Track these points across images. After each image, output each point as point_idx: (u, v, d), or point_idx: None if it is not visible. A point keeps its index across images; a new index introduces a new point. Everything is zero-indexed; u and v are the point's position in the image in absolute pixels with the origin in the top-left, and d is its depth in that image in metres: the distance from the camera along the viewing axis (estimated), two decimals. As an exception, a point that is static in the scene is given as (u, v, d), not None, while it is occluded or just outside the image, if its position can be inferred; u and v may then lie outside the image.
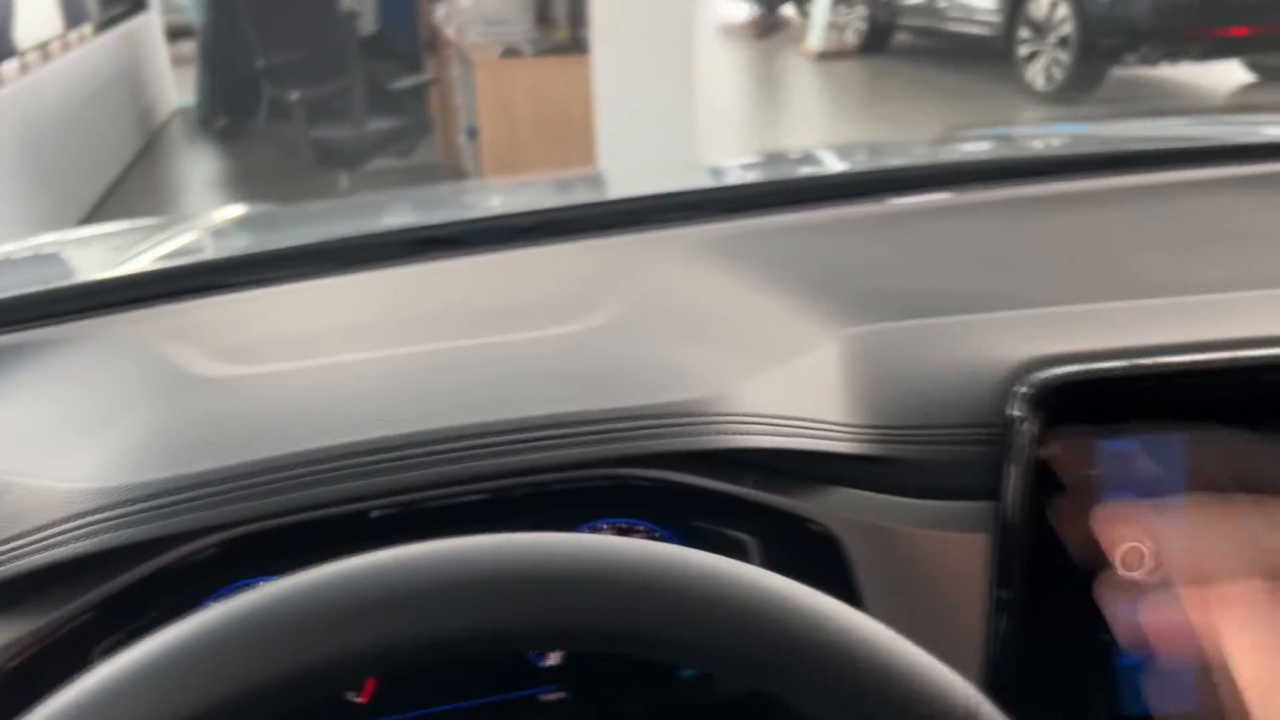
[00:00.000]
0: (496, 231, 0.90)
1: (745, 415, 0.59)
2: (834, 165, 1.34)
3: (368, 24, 6.69)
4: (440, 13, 6.08)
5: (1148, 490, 0.59)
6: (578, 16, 5.09)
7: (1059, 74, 7.08)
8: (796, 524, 0.60)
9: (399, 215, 1.26)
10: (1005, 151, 1.20)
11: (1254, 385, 0.61)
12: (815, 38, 9.40)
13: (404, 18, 6.58)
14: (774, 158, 2.07)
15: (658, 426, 0.57)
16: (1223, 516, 0.53)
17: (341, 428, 0.55)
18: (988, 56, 7.89)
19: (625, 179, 1.69)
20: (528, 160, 4.95)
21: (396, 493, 0.54)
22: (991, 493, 0.59)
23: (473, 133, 5.29)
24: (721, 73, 9.50)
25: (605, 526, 0.64)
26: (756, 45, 10.75)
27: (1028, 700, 0.58)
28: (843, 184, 1.01)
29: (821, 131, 6.97)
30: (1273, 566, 0.51)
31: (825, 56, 9.22)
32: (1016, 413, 0.58)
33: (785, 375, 0.63)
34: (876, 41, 9.37)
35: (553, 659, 0.64)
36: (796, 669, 0.36)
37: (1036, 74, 7.26)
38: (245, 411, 0.60)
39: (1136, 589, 0.59)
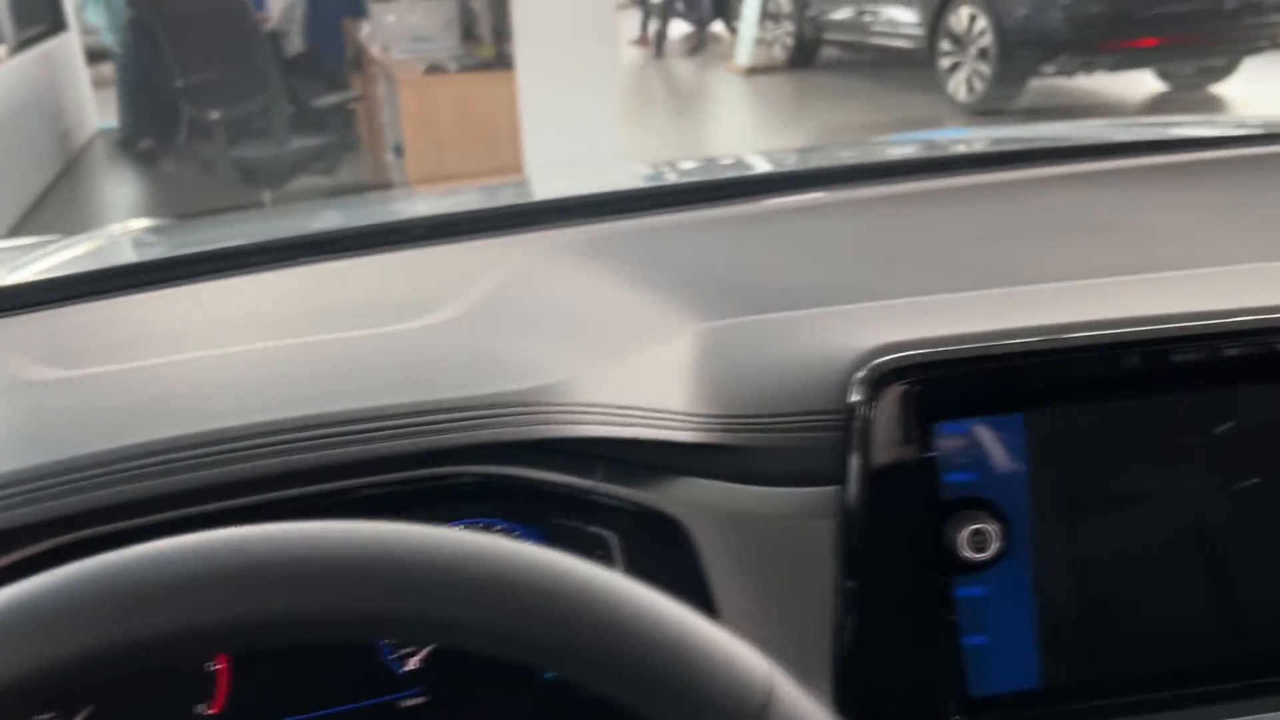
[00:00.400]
0: (371, 236, 0.89)
1: (586, 405, 0.59)
2: (730, 170, 1.35)
3: (295, 43, 6.63)
4: (365, 31, 6.04)
5: (989, 471, 0.60)
6: (502, 33, 5.09)
7: (980, 85, 7.23)
8: (649, 516, 0.60)
9: (284, 224, 1.24)
10: (876, 154, 1.22)
11: (1099, 366, 0.62)
12: (743, 53, 9.49)
13: (331, 36, 6.53)
14: (700, 163, 2.09)
15: (490, 416, 0.57)
16: None
17: (163, 423, 0.54)
18: (912, 69, 8.03)
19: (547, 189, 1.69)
20: (455, 177, 4.92)
21: (221, 488, 0.53)
22: (838, 479, 0.60)
23: (399, 150, 5.25)
24: (652, 90, 9.56)
25: (462, 526, 0.63)
26: (687, 62, 10.83)
27: (877, 683, 0.59)
28: (719, 186, 1.02)
29: (747, 144, 7.04)
30: None
31: (753, 72, 9.31)
32: (855, 398, 0.59)
33: (634, 367, 0.64)
34: (803, 56, 9.49)
35: (412, 663, 0.63)
36: (580, 650, 0.35)
37: (958, 85, 7.41)
38: (67, 411, 0.59)
39: (981, 566, 0.60)
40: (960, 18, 7.38)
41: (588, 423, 0.58)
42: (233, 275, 0.82)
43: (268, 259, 0.85)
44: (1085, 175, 0.95)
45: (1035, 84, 7.35)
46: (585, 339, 0.67)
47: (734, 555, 0.60)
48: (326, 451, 0.54)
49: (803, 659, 0.60)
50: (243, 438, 0.54)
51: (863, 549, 0.59)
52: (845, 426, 0.59)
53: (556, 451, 0.59)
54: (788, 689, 0.38)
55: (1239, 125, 1.30)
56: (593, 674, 0.37)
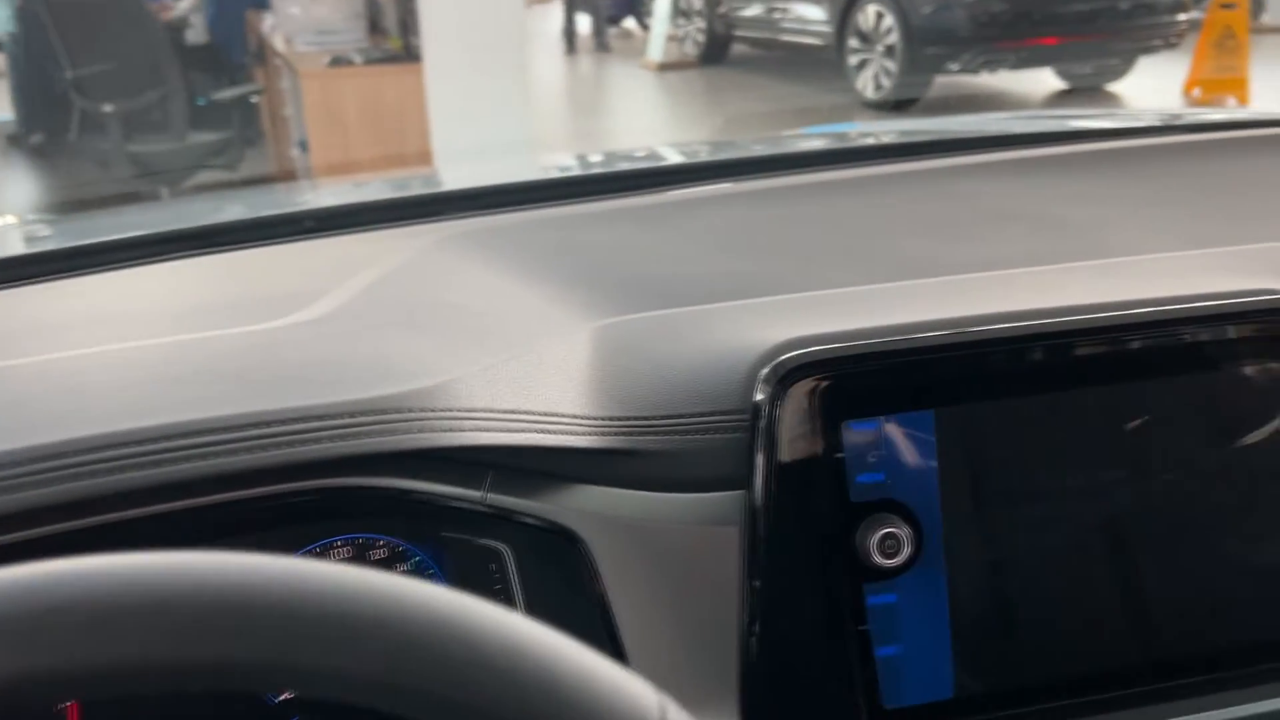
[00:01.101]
0: (255, 228, 0.84)
1: (467, 410, 0.55)
2: (640, 161, 1.31)
3: (198, 34, 6.41)
4: (267, 23, 5.86)
5: (900, 472, 0.57)
6: (409, 25, 4.99)
7: (887, 82, 7.33)
8: (543, 528, 0.56)
9: (166, 217, 1.17)
10: (787, 146, 1.19)
11: (1011, 360, 0.60)
12: (655, 49, 9.48)
13: (235, 27, 6.33)
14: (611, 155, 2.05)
15: (358, 425, 0.52)
16: None
17: None
18: (822, 66, 8.11)
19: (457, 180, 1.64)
20: (361, 171, 4.80)
21: (52, 509, 0.47)
22: (743, 483, 0.56)
23: (304, 145, 5.11)
24: (562, 85, 9.49)
25: (340, 544, 0.59)
26: (599, 58, 10.79)
27: (787, 697, 0.56)
28: (627, 177, 0.99)
29: (658, 138, 7.03)
30: None
31: (665, 68, 9.31)
32: (760, 396, 0.56)
33: (525, 367, 0.59)
34: (715, 53, 9.52)
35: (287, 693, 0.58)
36: (447, 696, 0.31)
37: (866, 82, 7.50)
38: None
39: (892, 573, 0.57)
40: (867, 15, 7.47)
41: (469, 430, 0.54)
42: (104, 271, 0.76)
43: (144, 253, 0.79)
44: (995, 166, 0.94)
45: (941, 80, 7.48)
46: (473, 337, 0.62)
47: (635, 566, 0.57)
48: (179, 466, 0.49)
49: (710, 672, 0.57)
50: (76, 452, 0.48)
51: (769, 556, 0.56)
52: (750, 427, 0.56)
53: (438, 461, 0.54)
54: (676, 714, 0.34)
55: (1136, 118, 1.32)
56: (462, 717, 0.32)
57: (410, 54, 4.90)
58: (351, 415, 0.52)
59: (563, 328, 0.63)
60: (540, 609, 0.59)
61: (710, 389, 0.58)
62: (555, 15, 11.57)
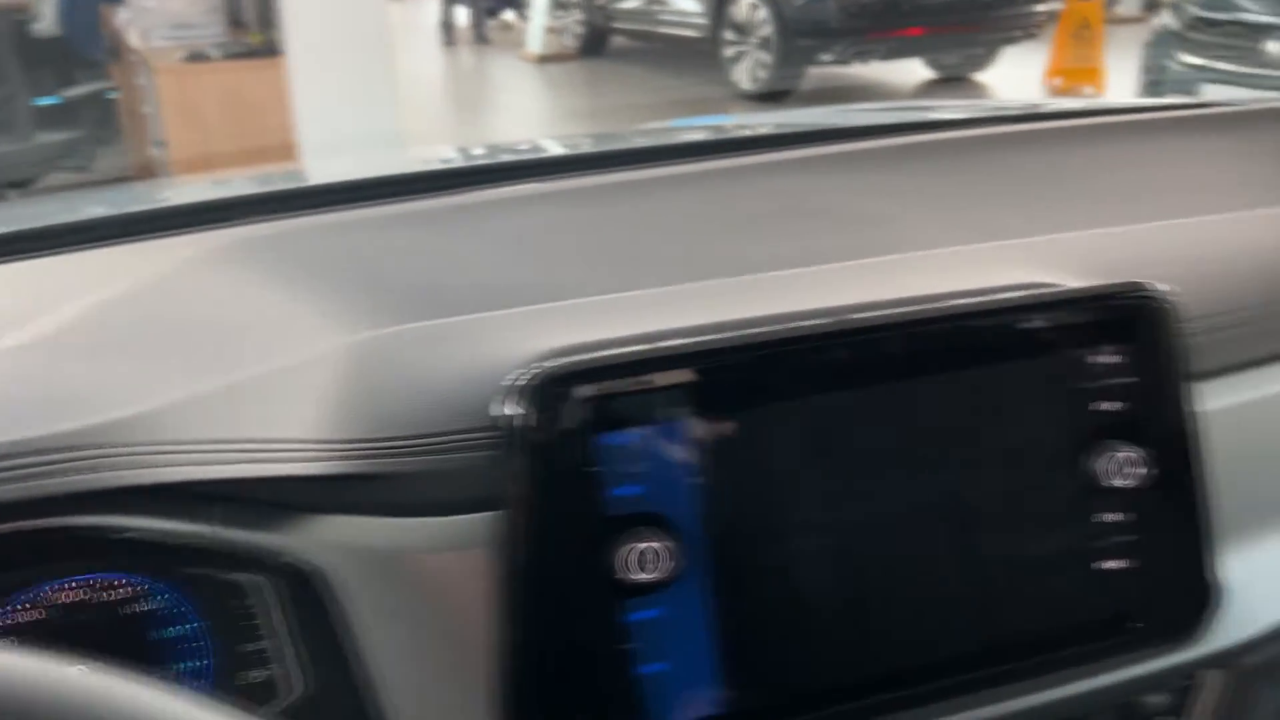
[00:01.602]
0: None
1: (176, 443, 0.51)
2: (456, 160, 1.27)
3: (49, 28, 6.09)
4: (122, 17, 5.60)
5: (660, 484, 0.55)
6: (269, 19, 4.83)
7: (763, 74, 7.41)
8: (281, 563, 0.53)
9: None
10: (610, 144, 1.17)
11: (775, 364, 0.58)
12: (534, 41, 9.41)
13: (89, 20, 6.03)
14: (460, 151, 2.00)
15: (53, 463, 0.48)
16: None
17: None
18: (701, 58, 8.15)
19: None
20: (222, 168, 4.63)
21: None
22: (498, 503, 0.54)
23: (160, 144, 4.90)
24: (440, 78, 9.34)
25: (73, 585, 0.54)
26: (478, 50, 10.64)
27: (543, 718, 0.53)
28: (437, 176, 0.95)
29: (532, 132, 6.97)
30: None
31: (545, 60, 9.25)
32: (509, 411, 0.53)
33: (253, 390, 0.56)
34: (594, 45, 9.49)
35: None
36: None
37: (742, 74, 7.57)
38: None
39: (652, 588, 0.55)
40: (742, 8, 7.54)
41: (173, 464, 0.50)
42: None
43: None
44: (814, 160, 0.93)
45: (817, 72, 7.60)
46: (209, 358, 0.58)
47: (387, 597, 0.54)
48: None
49: (469, 702, 0.54)
50: None
51: (525, 577, 0.54)
52: (502, 443, 0.53)
53: (158, 496, 0.50)
54: None
55: (960, 109, 1.33)
56: None
57: (271, 48, 4.74)
58: (36, 454, 0.48)
59: (308, 344, 0.59)
60: (301, 645, 0.55)
61: (463, 405, 0.55)
62: (432, 7, 11.37)
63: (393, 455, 0.54)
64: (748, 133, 1.10)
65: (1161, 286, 0.64)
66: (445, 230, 0.80)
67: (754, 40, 7.46)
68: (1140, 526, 0.63)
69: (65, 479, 0.48)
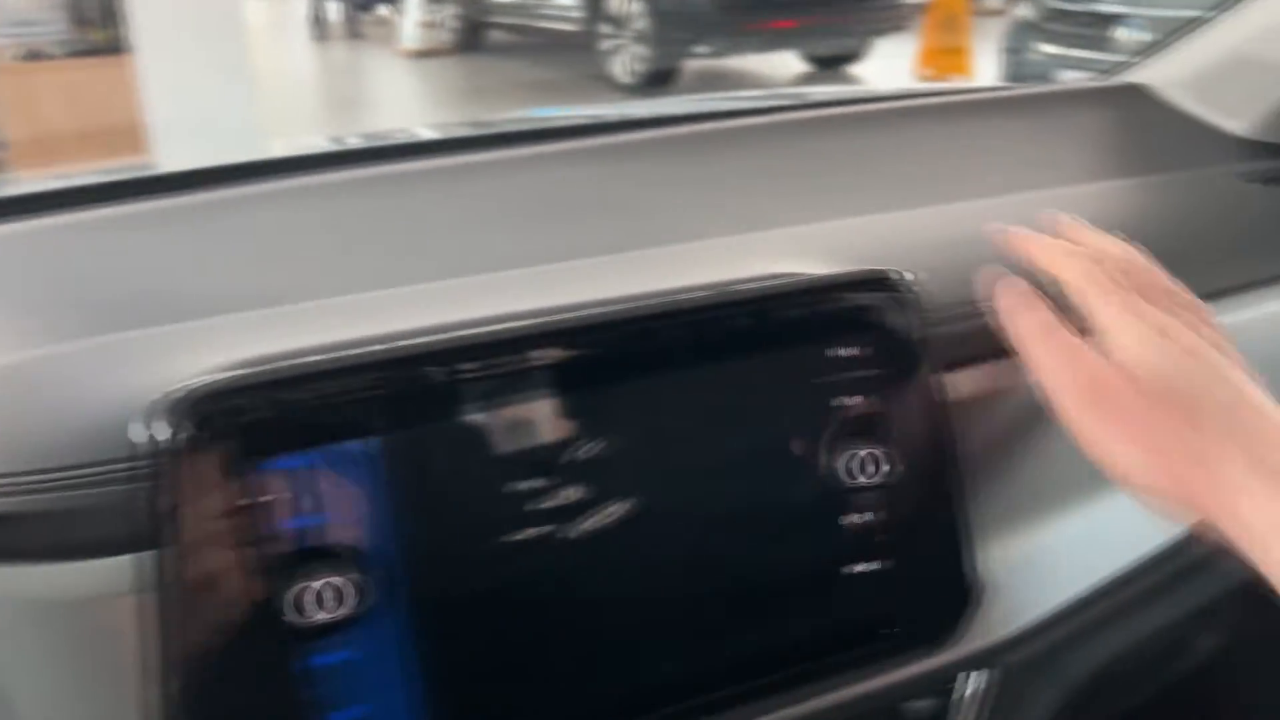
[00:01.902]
0: None
1: None
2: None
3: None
4: (-45, 13, 5.29)
5: (341, 513, 0.49)
6: (115, 15, 4.60)
7: (639, 66, 7.39)
8: None
9: None
10: (399, 137, 1.10)
11: (460, 372, 0.52)
12: (409, 36, 9.24)
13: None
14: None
15: None
16: None
17: None
18: (579, 52, 8.09)
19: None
20: (67, 167, 4.40)
21: None
22: (151, 542, 0.47)
23: (1, 145, 4.64)
24: (311, 73, 9.08)
25: None
26: (352, 45, 10.40)
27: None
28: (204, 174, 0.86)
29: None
30: None
31: (421, 55, 9.08)
32: (156, 438, 0.47)
33: None
34: (471, 39, 9.36)
35: None
36: None
37: (619, 67, 7.55)
38: None
39: (336, 628, 0.49)
40: (617, 1, 7.51)
41: None
42: None
43: None
44: (570, 154, 0.88)
45: (696, 65, 7.62)
46: None
47: (22, 653, 0.47)
48: None
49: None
50: None
51: (184, 625, 0.47)
52: (151, 474, 0.47)
53: None
54: None
55: (779, 98, 1.31)
56: None
57: (117, 45, 4.52)
58: None
59: None
60: None
61: (106, 432, 0.48)
62: (302, 3, 11.06)
63: (17, 493, 0.47)
64: (510, 128, 1.04)
65: (906, 274, 0.60)
66: (159, 234, 0.72)
67: (630, 33, 7.44)
68: (891, 526, 0.59)
69: None
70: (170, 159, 4.24)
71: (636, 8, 7.33)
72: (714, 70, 8.01)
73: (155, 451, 0.47)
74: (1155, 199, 0.94)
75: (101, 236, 0.67)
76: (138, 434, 0.47)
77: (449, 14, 9.44)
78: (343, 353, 0.50)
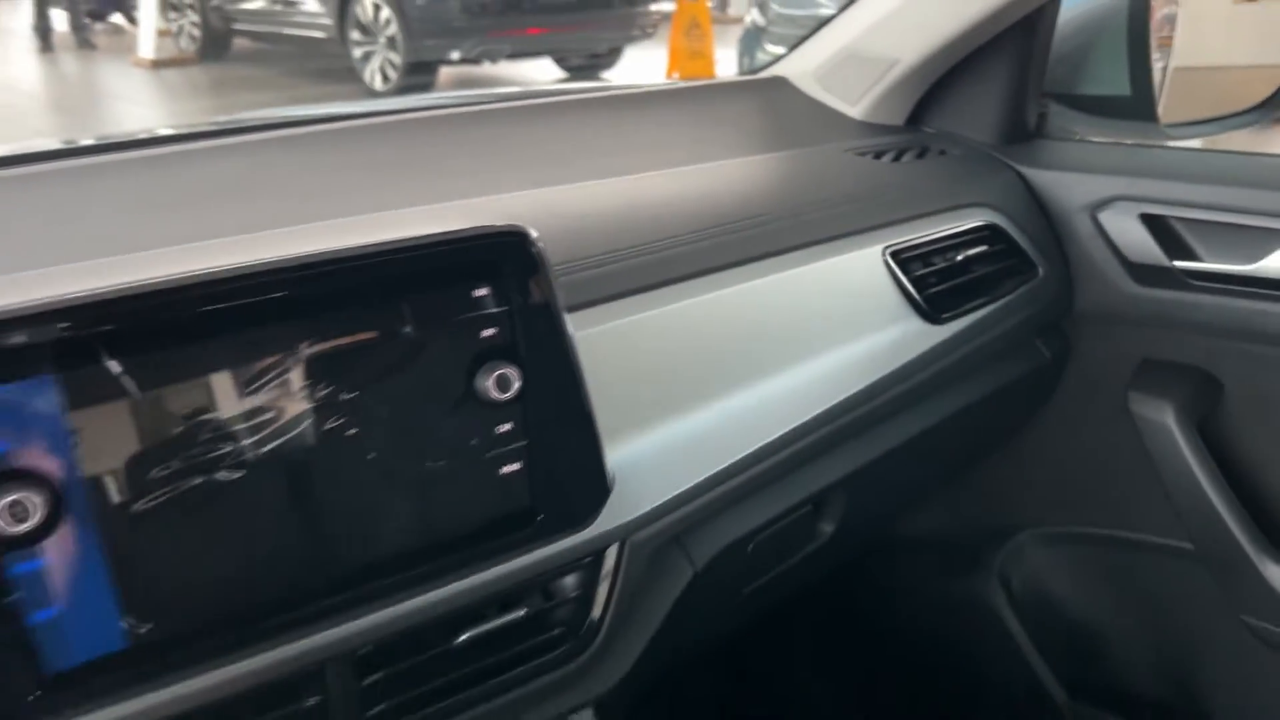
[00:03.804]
0: None
1: None
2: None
3: None
4: None
5: (25, 439, 0.58)
6: None
7: (393, 74, 7.37)
8: None
9: None
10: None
11: (128, 320, 0.61)
12: (146, 45, 8.79)
13: None
14: None
15: None
16: None
17: None
18: (334, 60, 7.96)
19: None
20: None
21: None
22: None
23: None
24: (39, 87, 8.51)
25: None
26: (83, 56, 9.78)
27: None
28: None
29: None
30: None
31: (160, 65, 8.67)
32: None
33: None
34: (215, 47, 9.02)
35: None
36: None
37: (374, 74, 7.49)
38: None
39: (29, 539, 0.57)
40: (365, 7, 7.45)
41: None
42: None
43: None
44: (250, 145, 0.98)
45: (453, 72, 7.66)
46: None
47: None
48: None
49: None
50: None
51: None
52: None
53: None
54: None
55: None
56: None
57: None
58: None
59: None
60: None
61: None
62: (24, 11, 10.30)
63: None
64: (206, 127, 1.12)
65: (533, 231, 0.74)
66: None
67: (381, 40, 7.41)
68: (529, 432, 0.72)
69: None
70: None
71: (385, 14, 7.31)
72: (469, 77, 8.08)
73: None
74: (786, 169, 1.12)
75: None
76: None
77: (189, 21, 9.06)
78: (17, 303, 0.58)
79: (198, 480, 0.62)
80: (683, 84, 1.42)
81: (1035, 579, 1.46)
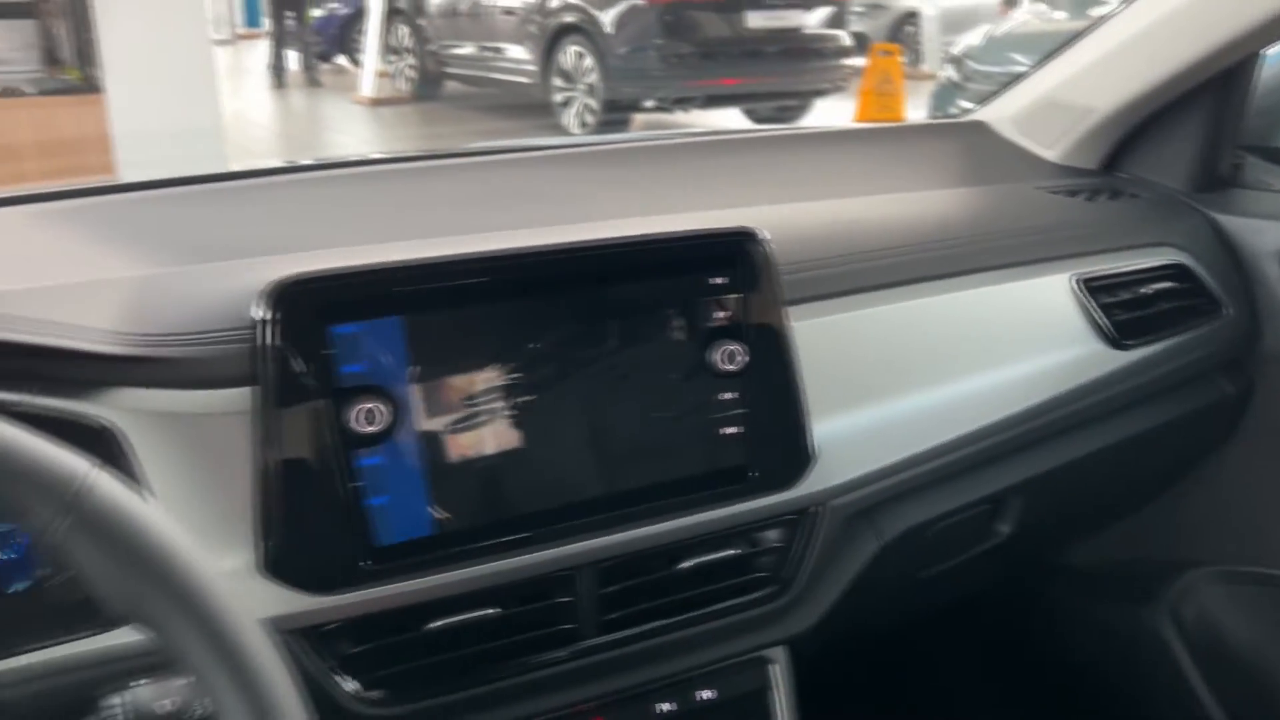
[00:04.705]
0: None
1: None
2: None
3: None
4: (-73, 51, 5.47)
5: (377, 363, 0.75)
6: (88, 56, 4.82)
7: (590, 119, 7.74)
8: (82, 423, 0.70)
9: None
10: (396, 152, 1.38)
11: (455, 280, 0.79)
12: (367, 85, 9.51)
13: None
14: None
15: None
16: None
17: None
18: (533, 103, 8.43)
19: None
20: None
21: None
22: (254, 379, 0.73)
23: (-29, 179, 4.81)
24: (271, 118, 9.31)
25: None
26: (311, 93, 10.66)
27: (297, 544, 0.72)
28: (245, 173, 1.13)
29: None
30: None
31: (378, 103, 9.35)
32: (260, 312, 0.72)
33: (68, 290, 0.74)
34: (428, 89, 9.66)
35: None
36: None
37: (571, 119, 7.88)
38: None
39: (375, 439, 0.75)
40: (569, 55, 7.87)
41: None
42: None
43: None
44: (524, 161, 1.17)
45: (643, 118, 7.98)
46: (30, 271, 0.76)
47: (166, 449, 0.71)
48: None
49: (233, 530, 0.72)
50: None
51: (275, 434, 0.72)
52: (256, 335, 0.72)
53: None
54: (107, 482, 0.50)
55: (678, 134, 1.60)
56: None
57: (90, 85, 4.74)
58: None
59: (120, 269, 0.78)
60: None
61: (230, 309, 0.74)
62: (263, 52, 11.33)
63: (176, 344, 0.73)
64: (502, 143, 1.32)
65: (764, 233, 0.88)
66: (249, 204, 0.99)
67: (581, 86, 7.80)
68: (749, 402, 0.86)
69: None
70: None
71: (588, 63, 7.69)
72: (660, 124, 8.38)
73: (260, 321, 0.72)
74: (982, 200, 1.23)
75: (186, 206, 0.95)
76: (254, 312, 0.73)
77: (406, 64, 9.75)
78: (381, 261, 0.76)
79: (495, 410, 0.78)
80: (887, 125, 1.54)
81: (1210, 617, 1.48)
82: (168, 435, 0.72)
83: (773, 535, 0.90)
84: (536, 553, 0.80)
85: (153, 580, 0.49)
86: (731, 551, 0.88)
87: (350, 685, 0.76)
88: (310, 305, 0.73)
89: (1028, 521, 1.13)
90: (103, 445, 0.70)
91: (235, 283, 0.77)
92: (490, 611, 0.79)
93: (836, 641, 1.01)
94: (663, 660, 0.89)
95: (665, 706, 0.90)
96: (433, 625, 0.78)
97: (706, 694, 0.91)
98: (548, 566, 0.80)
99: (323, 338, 0.73)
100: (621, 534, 0.82)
